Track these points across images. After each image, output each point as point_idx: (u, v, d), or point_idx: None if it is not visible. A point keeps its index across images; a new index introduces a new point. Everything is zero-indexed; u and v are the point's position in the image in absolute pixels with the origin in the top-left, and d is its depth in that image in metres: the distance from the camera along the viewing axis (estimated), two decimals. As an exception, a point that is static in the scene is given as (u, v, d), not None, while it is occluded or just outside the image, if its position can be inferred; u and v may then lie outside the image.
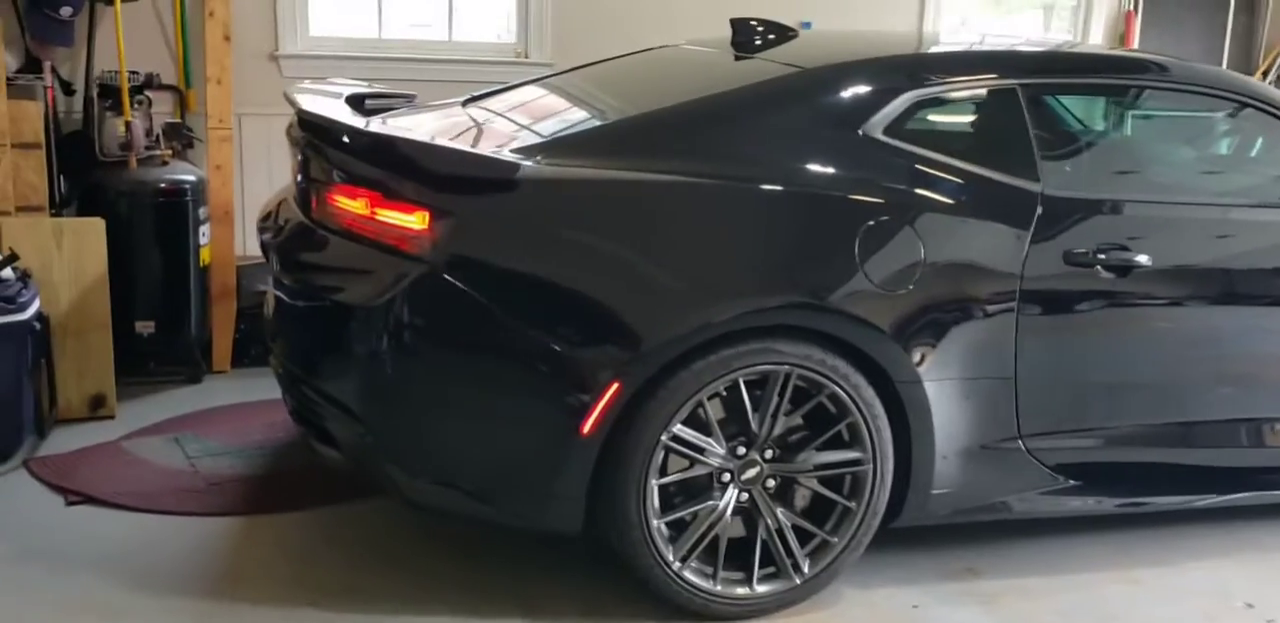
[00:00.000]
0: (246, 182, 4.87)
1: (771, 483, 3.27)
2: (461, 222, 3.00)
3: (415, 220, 3.03)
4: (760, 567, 3.25)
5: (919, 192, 3.32)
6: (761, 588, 3.27)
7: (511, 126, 3.54)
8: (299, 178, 3.49)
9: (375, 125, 3.30)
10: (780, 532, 3.26)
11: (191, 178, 4.53)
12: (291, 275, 3.31)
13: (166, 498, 3.71)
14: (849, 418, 3.25)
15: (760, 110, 3.32)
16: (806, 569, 3.30)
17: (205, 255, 4.63)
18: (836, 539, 3.32)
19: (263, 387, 4.52)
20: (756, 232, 3.16)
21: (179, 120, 4.77)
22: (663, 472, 3.12)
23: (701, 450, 3.17)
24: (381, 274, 3.05)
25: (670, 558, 3.18)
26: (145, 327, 4.49)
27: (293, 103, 3.42)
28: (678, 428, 3.12)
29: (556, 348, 3.02)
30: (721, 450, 3.19)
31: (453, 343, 3.05)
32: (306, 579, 3.34)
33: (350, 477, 3.29)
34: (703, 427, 3.17)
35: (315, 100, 3.49)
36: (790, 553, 3.27)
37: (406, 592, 3.31)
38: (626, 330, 3.02)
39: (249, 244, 4.91)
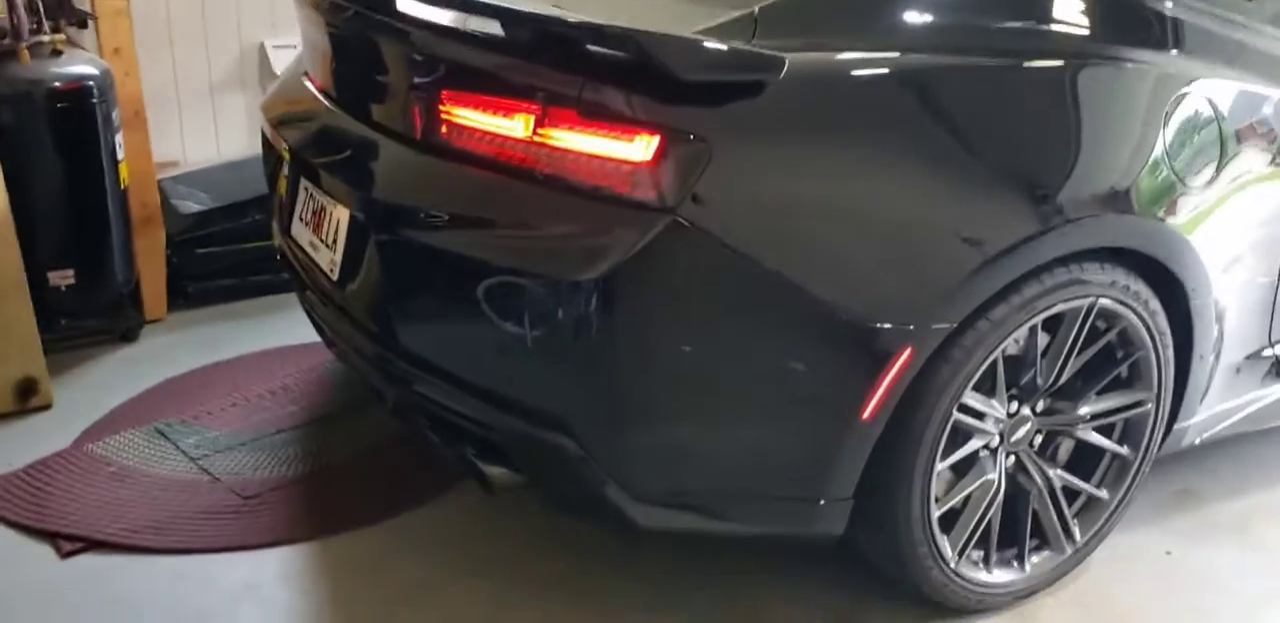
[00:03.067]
0: (145, 69, 3.50)
1: (1038, 440, 2.51)
2: (711, 145, 1.98)
3: (637, 148, 1.99)
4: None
5: (1220, 63, 2.49)
6: (1033, 567, 2.58)
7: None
8: (372, 74, 2.34)
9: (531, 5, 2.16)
10: (1052, 495, 2.54)
11: (95, 71, 3.18)
12: (407, 232, 2.20)
13: (197, 528, 2.61)
14: (1138, 352, 2.50)
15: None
16: (1078, 535, 2.61)
17: (124, 174, 3.33)
18: (1107, 495, 2.63)
19: (217, 334, 3.39)
20: (1068, 125, 2.27)
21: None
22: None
23: (982, 417, 2.36)
24: (588, 231, 2.02)
25: (949, 554, 2.41)
26: (62, 277, 3.22)
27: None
28: (967, 395, 2.28)
29: (836, 312, 2.10)
30: (1002, 413, 2.41)
31: (702, 320, 2.08)
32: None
33: (502, 492, 2.30)
34: (989, 389, 2.35)
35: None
36: (1062, 518, 2.58)
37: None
38: (924, 276, 2.15)
39: (159, 146, 3.61)
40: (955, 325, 2.19)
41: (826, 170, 2.07)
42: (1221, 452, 3.17)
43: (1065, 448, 2.63)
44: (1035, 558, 2.59)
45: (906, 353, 2.14)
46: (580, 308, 2.01)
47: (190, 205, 3.63)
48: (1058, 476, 2.56)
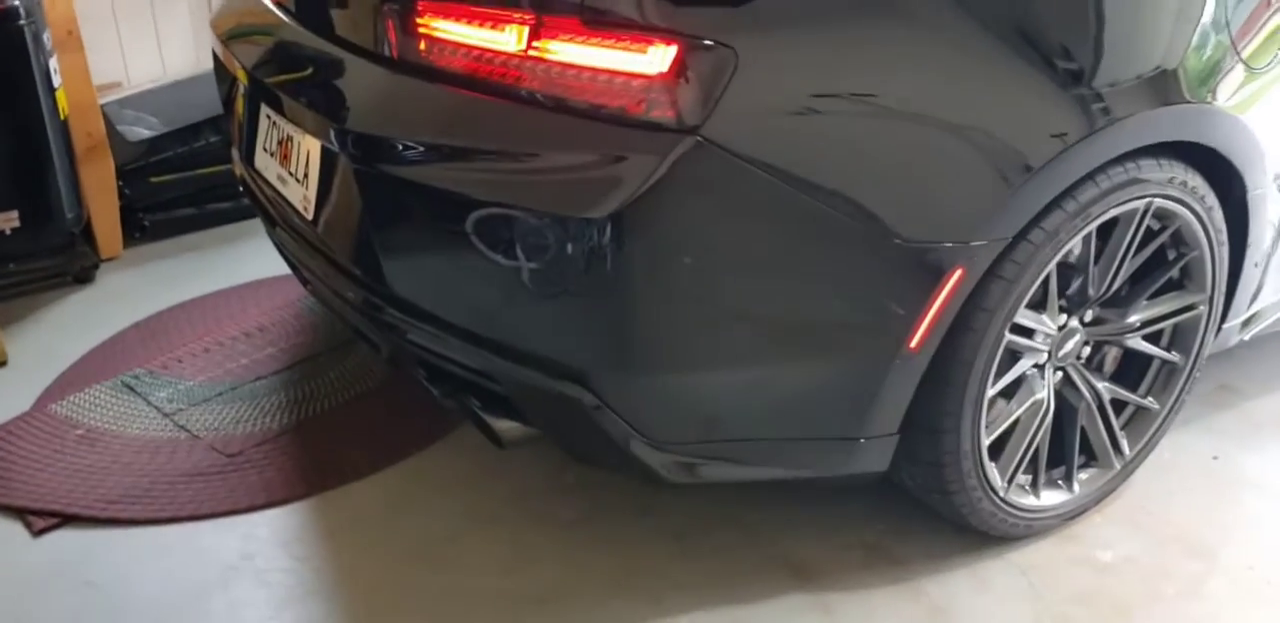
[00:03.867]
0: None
1: (1085, 352, 2.31)
2: (736, 51, 1.71)
3: (651, 59, 1.72)
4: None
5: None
6: (1080, 486, 2.39)
7: None
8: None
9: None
10: (1101, 409, 2.35)
11: (19, -14, 2.82)
12: (390, 166, 1.91)
13: (180, 493, 2.37)
14: (1192, 253, 2.27)
15: None
16: (1127, 449, 2.42)
17: (62, 101, 2.99)
18: (1156, 404, 2.43)
19: (180, 270, 3.12)
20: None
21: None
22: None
23: (1032, 334, 2.15)
24: (598, 160, 1.76)
25: (999, 483, 2.22)
26: (5, 221, 2.90)
27: None
28: (1020, 314, 2.06)
29: (881, 233, 1.86)
30: (1053, 328, 2.19)
31: (732, 253, 1.83)
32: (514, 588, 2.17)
33: (511, 446, 2.06)
34: (1039, 304, 2.14)
35: None
36: (1110, 432, 2.39)
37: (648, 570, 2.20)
38: (976, 186, 1.90)
39: (98, 68, 3.25)
40: (1009, 239, 1.95)
41: (866, 74, 1.80)
42: (1250, 347, 2.97)
43: (1111, 358, 2.42)
44: (1083, 476, 2.39)
45: (957, 274, 1.91)
46: (593, 248, 1.76)
47: (139, 131, 3.29)
48: (1106, 388, 2.35)
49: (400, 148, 1.87)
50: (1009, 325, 2.06)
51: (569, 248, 1.77)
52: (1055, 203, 1.99)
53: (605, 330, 1.84)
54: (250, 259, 3.27)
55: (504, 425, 2.04)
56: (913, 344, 1.95)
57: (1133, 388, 2.42)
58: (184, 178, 3.39)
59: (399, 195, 1.91)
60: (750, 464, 2.06)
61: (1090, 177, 2.01)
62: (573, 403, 1.90)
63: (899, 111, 1.82)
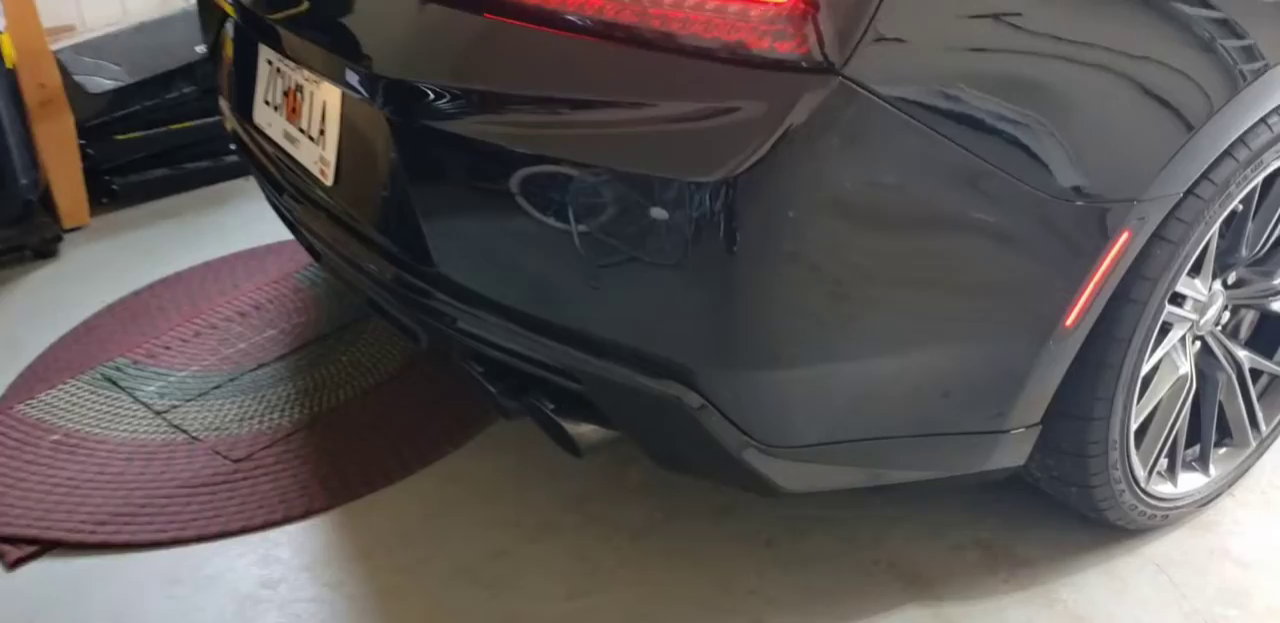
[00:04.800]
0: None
1: (1224, 318, 2.00)
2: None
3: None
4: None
5: None
6: (1216, 467, 2.09)
7: None
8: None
9: None
10: (1241, 380, 2.05)
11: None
12: (437, 121, 1.52)
13: (181, 510, 2.01)
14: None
15: None
16: (1264, 423, 2.13)
17: (7, 49, 2.54)
18: (1296, 371, 2.11)
19: (157, 240, 2.71)
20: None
21: None
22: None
23: (1183, 303, 1.84)
24: (713, 109, 1.38)
25: (1141, 473, 1.93)
26: (-49, 190, 2.47)
27: None
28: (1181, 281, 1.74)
29: (1046, 192, 1.51)
30: (1204, 294, 1.86)
31: (876, 221, 1.47)
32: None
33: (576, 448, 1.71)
34: (1195, 268, 1.83)
35: None
36: (1249, 405, 2.08)
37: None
38: (1149, 135, 1.55)
39: (48, 9, 2.80)
40: (1179, 195, 1.60)
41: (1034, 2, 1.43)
42: None
43: (1247, 324, 2.11)
44: (1218, 456, 2.08)
45: (1124, 236, 1.58)
46: (703, 219, 1.38)
47: (100, 82, 2.84)
48: (1246, 356, 2.04)
49: (451, 98, 1.49)
50: (1169, 294, 1.72)
51: (673, 220, 1.40)
52: (1228, 151, 1.65)
53: (717, 319, 1.48)
54: (238, 225, 2.86)
55: (580, 430, 1.68)
56: (1069, 321, 1.62)
57: (1268, 355, 2.10)
58: (155, 134, 2.96)
59: (449, 157, 1.53)
60: (878, 467, 1.73)
61: (1264, 120, 1.67)
62: (671, 404, 1.54)
63: (1068, 43, 1.46)
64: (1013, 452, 1.78)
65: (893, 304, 1.53)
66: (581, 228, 1.45)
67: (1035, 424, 1.75)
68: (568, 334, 1.56)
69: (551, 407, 1.66)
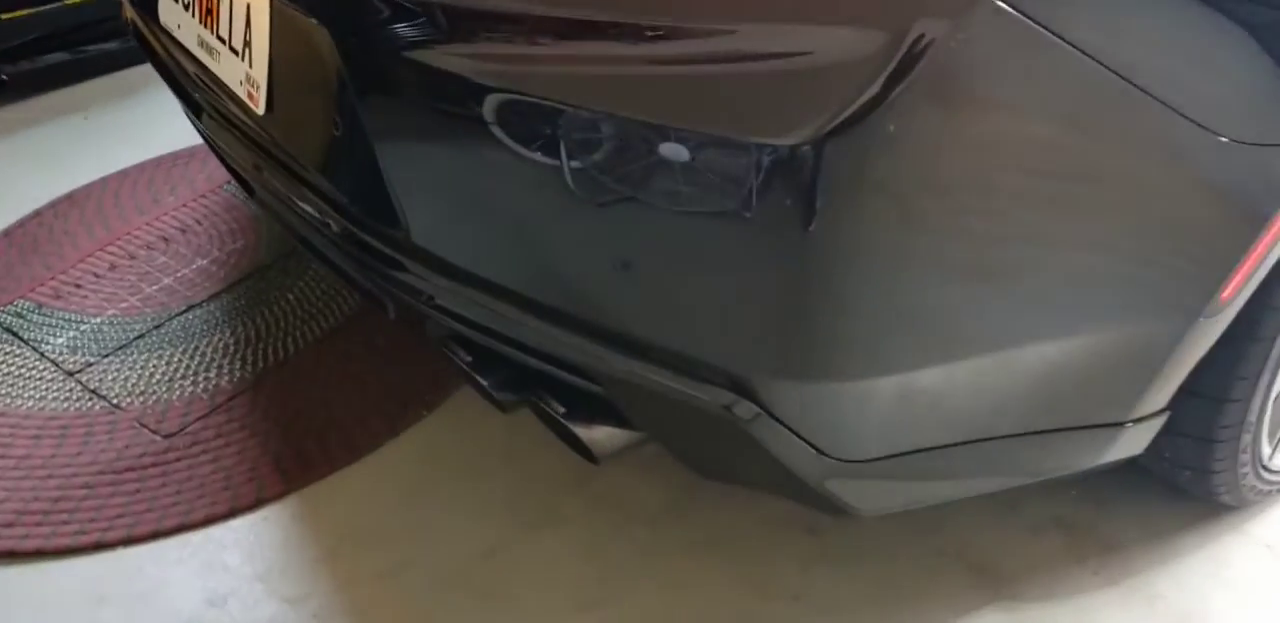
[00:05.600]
0: None
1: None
2: None
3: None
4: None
5: None
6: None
7: None
8: None
9: None
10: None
11: None
12: (418, 49, 1.08)
13: (105, 503, 1.62)
14: None
15: None
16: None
17: None
18: None
19: (57, 143, 2.24)
20: None
21: None
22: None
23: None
24: (803, 42, 0.94)
25: (1266, 451, 1.62)
26: None
27: None
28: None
29: (1219, 133, 1.12)
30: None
31: (1018, 178, 1.06)
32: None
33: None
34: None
35: None
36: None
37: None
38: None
39: None
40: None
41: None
42: None
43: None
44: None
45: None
46: (794, 190, 0.97)
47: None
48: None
49: (429, 16, 1.04)
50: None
51: (739, 192, 0.99)
52: None
53: (797, 321, 1.08)
54: (154, 121, 2.38)
55: (597, 435, 1.30)
56: (1226, 292, 1.24)
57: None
58: (47, 12, 2.43)
59: (430, 96, 1.09)
60: (973, 476, 1.37)
61: None
62: (718, 414, 1.16)
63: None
64: (1134, 442, 1.44)
65: (1024, 288, 1.15)
66: (610, 199, 1.04)
67: (1164, 410, 1.40)
68: (587, 327, 1.16)
69: (561, 411, 1.27)
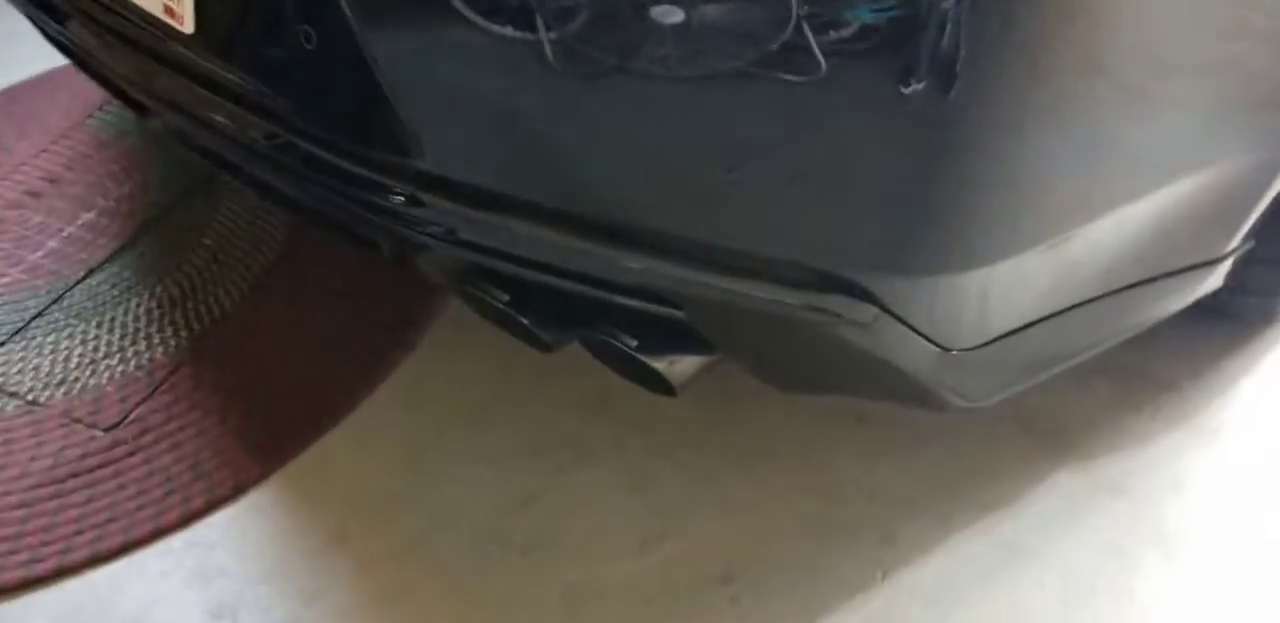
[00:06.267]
0: None
1: None
2: None
3: None
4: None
5: None
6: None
7: None
8: None
9: None
10: None
11: None
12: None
13: (48, 527, 1.37)
14: None
15: None
16: None
17: None
18: None
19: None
20: None
21: None
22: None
23: None
24: None
25: None
26: None
27: None
28: None
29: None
30: None
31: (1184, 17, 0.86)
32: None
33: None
34: None
35: None
36: None
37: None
38: None
39: None
40: None
41: None
42: None
43: None
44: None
45: None
46: (939, 49, 0.76)
47: None
48: None
49: None
50: None
51: (879, 59, 0.77)
52: None
53: (937, 208, 0.89)
54: (11, 38, 1.99)
55: (677, 368, 1.09)
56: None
57: None
58: None
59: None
60: (1084, 339, 1.21)
61: None
62: (830, 323, 0.97)
63: None
64: (1219, 276, 1.30)
65: (1173, 125, 0.97)
66: (705, 75, 0.81)
67: (1249, 240, 1.26)
68: (672, 247, 0.94)
69: (633, 345, 1.05)
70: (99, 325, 1.54)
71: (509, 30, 0.82)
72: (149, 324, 1.54)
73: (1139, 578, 1.33)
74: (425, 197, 0.96)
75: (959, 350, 1.04)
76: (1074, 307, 1.13)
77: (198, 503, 1.36)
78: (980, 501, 1.41)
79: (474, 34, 0.84)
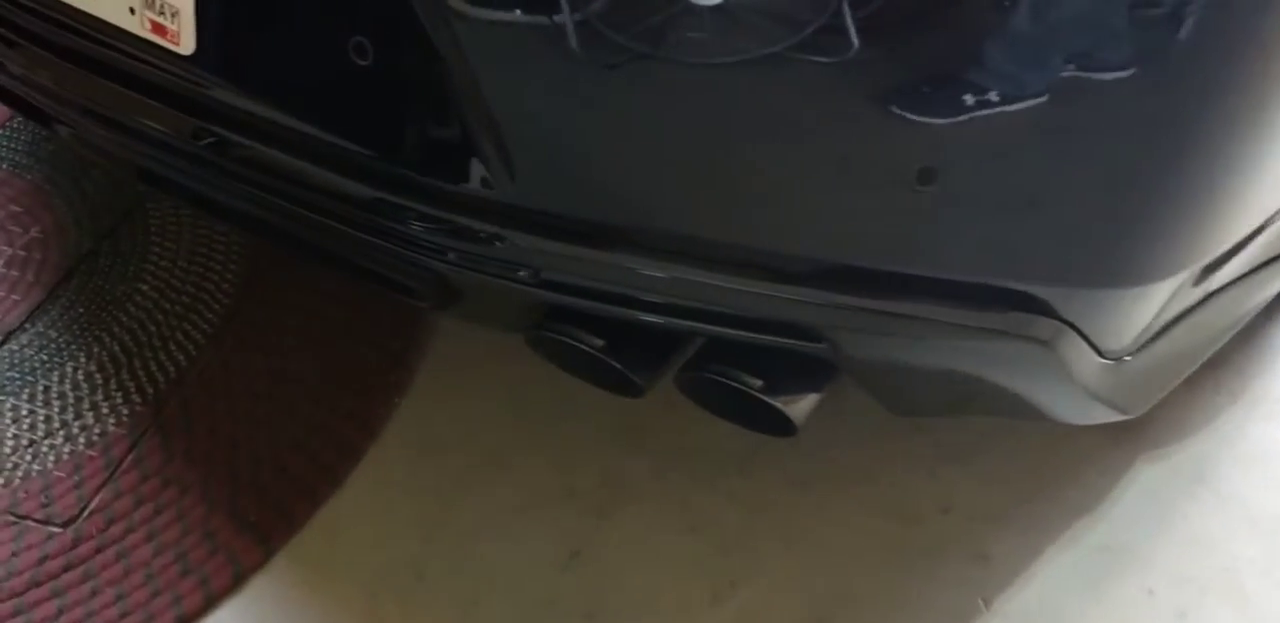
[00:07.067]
0: None
1: None
2: None
3: None
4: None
5: None
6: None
7: None
8: None
9: None
10: None
11: None
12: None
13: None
14: None
15: None
16: None
17: None
18: None
19: None
20: None
21: None
22: None
23: None
24: None
25: None
26: None
27: None
28: None
29: None
30: None
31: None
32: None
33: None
34: None
35: None
36: None
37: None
38: None
39: None
40: None
41: None
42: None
43: None
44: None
45: None
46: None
47: None
48: None
49: None
50: None
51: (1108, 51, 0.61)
52: None
53: (1160, 211, 0.74)
54: None
55: (799, 408, 0.92)
56: None
57: None
58: None
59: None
60: (1221, 325, 1.09)
61: None
62: (1005, 339, 0.82)
63: None
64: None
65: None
66: (887, 72, 0.64)
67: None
68: (830, 276, 0.76)
69: (758, 385, 0.88)
70: (30, 399, 1.29)
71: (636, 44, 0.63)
72: (92, 392, 1.29)
73: (1246, 575, 1.22)
74: (508, 232, 0.77)
75: (1126, 358, 0.90)
76: (1212, 295, 1.00)
77: (195, 602, 1.14)
78: (1063, 502, 1.28)
79: (590, 41, 0.65)
